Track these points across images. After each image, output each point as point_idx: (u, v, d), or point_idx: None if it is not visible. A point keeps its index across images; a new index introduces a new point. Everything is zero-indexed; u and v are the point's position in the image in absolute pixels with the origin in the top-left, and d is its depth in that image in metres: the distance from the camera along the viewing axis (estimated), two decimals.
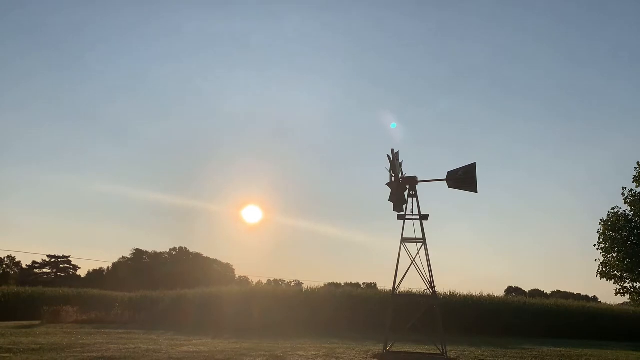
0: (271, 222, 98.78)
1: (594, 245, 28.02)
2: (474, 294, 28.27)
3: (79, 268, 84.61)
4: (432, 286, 12.39)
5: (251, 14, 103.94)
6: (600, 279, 27.65)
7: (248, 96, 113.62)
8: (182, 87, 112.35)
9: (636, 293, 27.55)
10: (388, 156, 12.85)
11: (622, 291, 27.68)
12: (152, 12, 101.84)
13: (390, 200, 12.93)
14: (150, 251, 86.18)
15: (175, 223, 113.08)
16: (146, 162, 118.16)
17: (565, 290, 74.15)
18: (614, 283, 27.70)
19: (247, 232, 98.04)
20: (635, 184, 27.26)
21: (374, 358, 12.05)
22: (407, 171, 13.12)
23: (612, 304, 34.17)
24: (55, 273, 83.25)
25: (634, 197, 26.99)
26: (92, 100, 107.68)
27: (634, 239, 26.62)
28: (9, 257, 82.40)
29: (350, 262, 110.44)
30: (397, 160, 12.93)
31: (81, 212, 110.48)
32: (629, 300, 30.12)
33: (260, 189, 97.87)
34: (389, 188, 13.00)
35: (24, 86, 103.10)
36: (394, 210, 12.87)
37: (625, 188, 27.41)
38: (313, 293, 27.99)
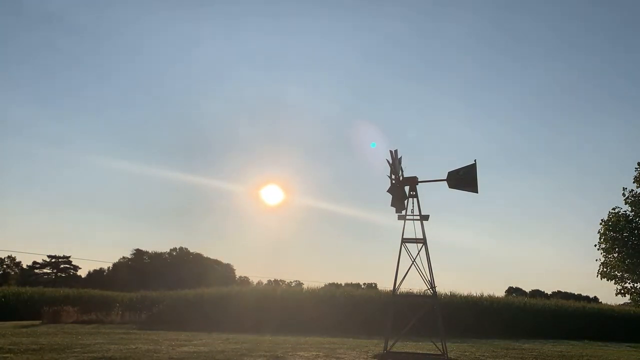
0: (292, 203, 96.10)
1: (595, 246, 28.07)
2: (475, 294, 28.29)
3: (79, 268, 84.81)
4: (432, 286, 12.38)
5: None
6: (601, 279, 27.71)
7: (267, 77, 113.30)
8: (200, 69, 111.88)
9: (637, 293, 27.56)
10: (387, 160, 12.80)
11: (622, 291, 27.71)
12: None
13: (392, 205, 12.89)
14: (150, 251, 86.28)
15: (191, 205, 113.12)
16: (163, 142, 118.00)
17: (565, 290, 74.15)
18: (615, 283, 27.74)
19: (267, 213, 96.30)
20: (635, 184, 27.30)
21: (374, 358, 12.05)
22: (407, 171, 13.10)
23: (613, 304, 34.20)
24: (56, 273, 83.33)
25: (635, 197, 27.01)
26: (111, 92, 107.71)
27: (635, 239, 26.64)
28: (9, 257, 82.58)
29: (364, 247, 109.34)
30: (397, 158, 12.89)
31: (86, 200, 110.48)
32: (629, 301, 30.14)
33: (280, 170, 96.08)
34: (389, 194, 12.95)
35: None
36: (396, 212, 12.86)
37: (626, 188, 27.47)
38: (313, 293, 27.97)
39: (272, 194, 77.38)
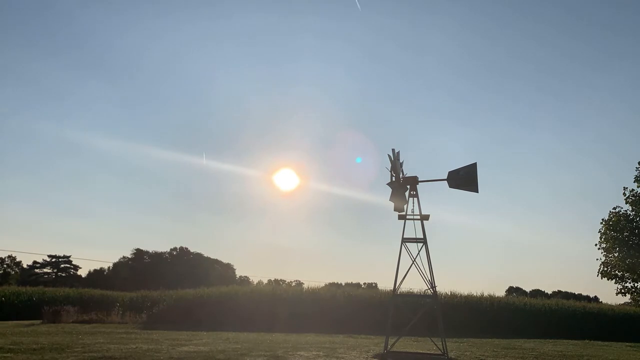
0: (306, 188, 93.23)
1: (595, 245, 28.06)
2: (475, 294, 28.32)
3: (80, 268, 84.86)
4: (432, 286, 12.38)
5: None
6: (602, 278, 27.69)
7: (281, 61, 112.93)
8: (213, 52, 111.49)
9: (637, 293, 27.55)
10: (389, 156, 12.87)
11: (622, 291, 27.71)
12: None
13: (390, 200, 12.93)
14: (150, 251, 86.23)
15: (204, 188, 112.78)
16: (176, 126, 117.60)
17: (566, 290, 74.24)
18: (615, 283, 27.73)
19: (281, 198, 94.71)
20: (636, 183, 27.27)
21: (374, 358, 12.05)
22: (408, 171, 13.13)
23: (613, 304, 34.21)
24: (56, 273, 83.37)
25: (635, 197, 27.00)
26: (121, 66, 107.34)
27: (635, 239, 26.63)
28: (9, 257, 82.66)
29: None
30: (398, 160, 12.92)
31: (86, 200, 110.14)
32: (630, 301, 30.15)
33: (295, 154, 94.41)
34: (389, 188, 13.02)
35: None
36: (394, 210, 12.87)
37: (627, 188, 27.44)
38: (314, 293, 28.00)
39: (283, 180, 73.39)
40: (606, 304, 33.92)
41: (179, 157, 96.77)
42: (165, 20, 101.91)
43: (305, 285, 39.21)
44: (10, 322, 25.28)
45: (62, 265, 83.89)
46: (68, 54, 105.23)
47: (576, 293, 66.82)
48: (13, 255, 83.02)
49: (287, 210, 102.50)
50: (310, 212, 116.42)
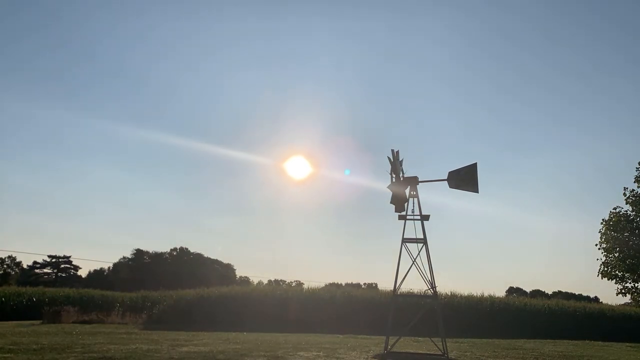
0: (319, 176, 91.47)
1: (596, 245, 28.07)
2: (475, 295, 28.32)
3: (80, 268, 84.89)
4: (433, 286, 12.37)
5: None
6: (602, 278, 27.74)
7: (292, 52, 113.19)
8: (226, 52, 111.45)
9: (637, 293, 27.56)
10: (388, 158, 12.84)
11: (623, 291, 27.73)
12: None
13: (392, 202, 12.92)
14: (150, 251, 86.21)
15: (216, 176, 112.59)
16: (187, 113, 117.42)
17: (566, 290, 74.17)
18: (615, 283, 27.77)
19: (293, 186, 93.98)
20: (636, 184, 27.32)
21: (374, 358, 12.04)
22: (408, 171, 13.13)
23: (614, 304, 34.18)
24: (56, 273, 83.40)
25: (636, 197, 27.01)
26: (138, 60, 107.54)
27: (636, 239, 26.65)
28: (9, 257, 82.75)
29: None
30: (398, 159, 12.92)
31: (86, 200, 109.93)
32: (630, 301, 30.16)
33: (308, 141, 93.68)
34: (390, 191, 13.00)
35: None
36: (394, 211, 12.88)
37: (627, 188, 27.49)
38: (314, 293, 27.99)
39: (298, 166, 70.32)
40: (606, 304, 33.86)
41: (180, 151, 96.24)
42: (187, 22, 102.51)
43: (305, 286, 39.20)
44: (10, 322, 25.28)
45: (62, 266, 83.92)
46: (82, 52, 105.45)
47: (576, 293, 66.79)
48: (13, 256, 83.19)
49: (287, 210, 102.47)
50: (310, 210, 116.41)
